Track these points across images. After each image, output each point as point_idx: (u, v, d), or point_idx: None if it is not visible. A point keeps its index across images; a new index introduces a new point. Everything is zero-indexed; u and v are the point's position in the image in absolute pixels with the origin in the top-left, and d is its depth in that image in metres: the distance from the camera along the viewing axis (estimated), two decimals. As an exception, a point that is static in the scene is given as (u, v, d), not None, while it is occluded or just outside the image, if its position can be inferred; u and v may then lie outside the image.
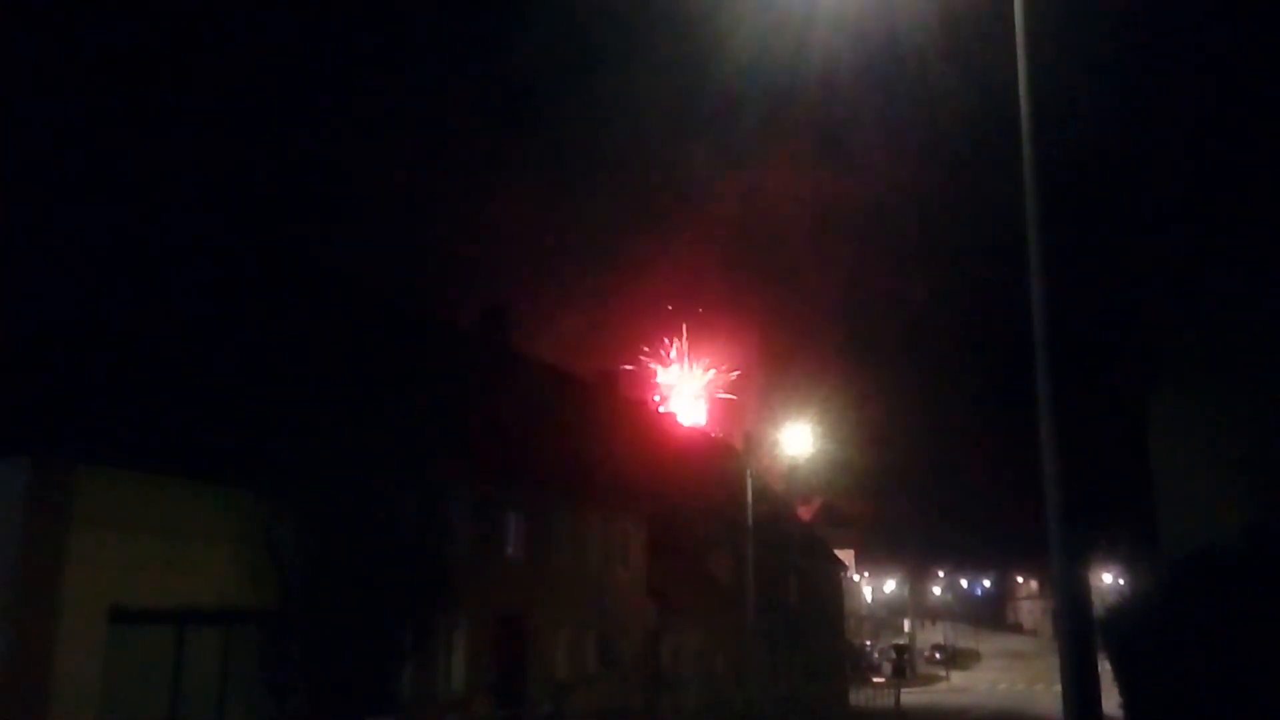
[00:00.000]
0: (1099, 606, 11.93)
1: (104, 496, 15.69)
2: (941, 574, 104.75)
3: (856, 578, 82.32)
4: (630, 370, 60.41)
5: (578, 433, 32.12)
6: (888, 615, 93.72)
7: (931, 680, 68.89)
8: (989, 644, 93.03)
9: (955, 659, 79.69)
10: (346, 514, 18.42)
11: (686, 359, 65.57)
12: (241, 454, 17.57)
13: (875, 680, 57.44)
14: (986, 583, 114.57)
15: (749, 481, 33.00)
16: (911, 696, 51.27)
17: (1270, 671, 9.47)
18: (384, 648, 19.06)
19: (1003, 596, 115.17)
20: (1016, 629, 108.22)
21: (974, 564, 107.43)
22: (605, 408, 37.24)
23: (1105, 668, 10.71)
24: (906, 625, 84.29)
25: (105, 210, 19.19)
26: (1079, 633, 7.34)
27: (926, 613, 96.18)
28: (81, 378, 16.48)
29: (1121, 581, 45.26)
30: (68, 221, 18.06)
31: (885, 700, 47.48)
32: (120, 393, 16.79)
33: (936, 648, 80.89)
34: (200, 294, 19.71)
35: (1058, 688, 7.59)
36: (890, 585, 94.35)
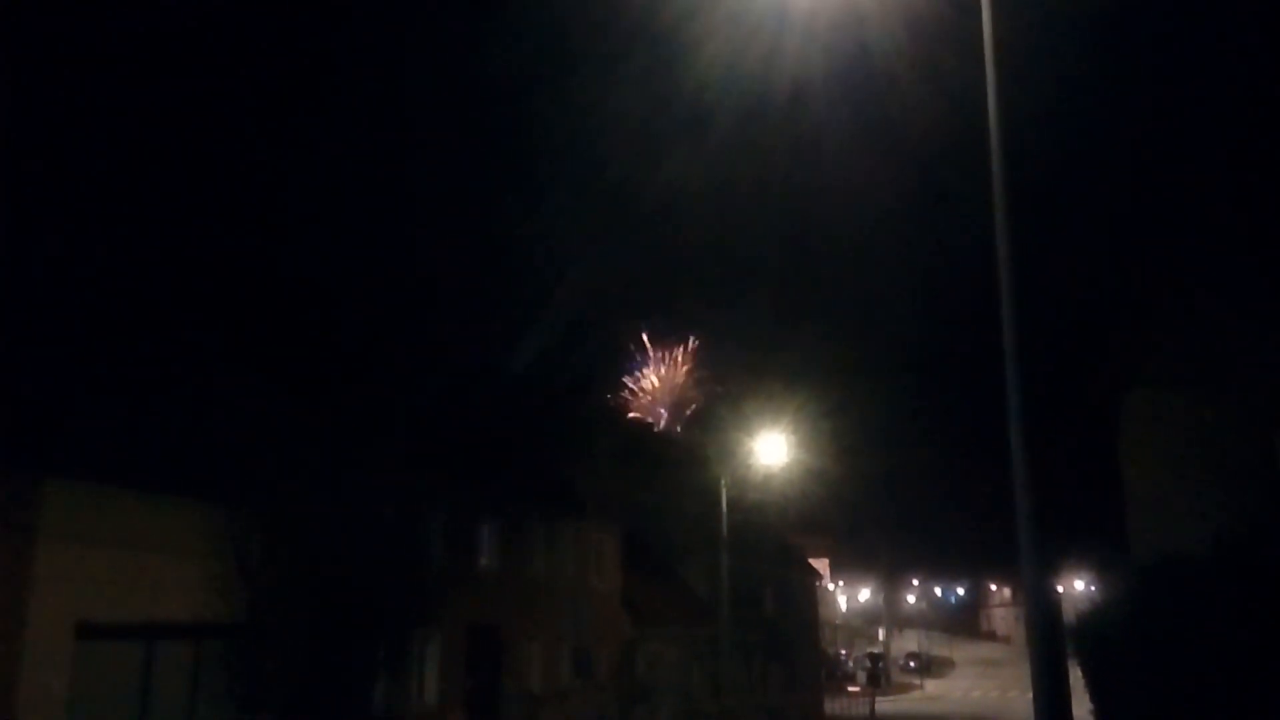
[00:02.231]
0: (1070, 614, 12.02)
1: (71, 511, 15.46)
2: (915, 582, 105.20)
3: (831, 587, 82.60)
4: (605, 380, 60.29)
5: (552, 442, 32.04)
6: (862, 624, 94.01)
7: (906, 688, 69.10)
8: (963, 652, 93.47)
9: (930, 667, 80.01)
10: (317, 527, 18.27)
11: (661, 368, 65.52)
12: (211, 468, 17.40)
13: (850, 689, 57.56)
14: (960, 591, 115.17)
15: (724, 491, 33.00)
16: (887, 705, 51.41)
17: (1237, 676, 9.55)
18: (356, 661, 18.89)
19: (976, 604, 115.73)
20: (990, 636, 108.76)
21: (948, 572, 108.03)
22: (580, 417, 37.16)
23: (1077, 674, 10.78)
24: (881, 634, 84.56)
25: (75, 221, 18.98)
26: (1049, 640, 7.37)
27: (901, 621, 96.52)
28: (49, 391, 16.26)
29: (1093, 589, 45.58)
30: (36, 232, 17.84)
31: (860, 709, 47.58)
32: (88, 406, 16.58)
33: (911, 656, 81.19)
34: (171, 307, 19.52)
35: (1031, 694, 7.62)
36: (865, 594, 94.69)
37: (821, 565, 67.45)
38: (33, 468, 15.16)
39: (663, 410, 64.51)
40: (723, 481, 33.34)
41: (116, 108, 20.58)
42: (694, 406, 63.83)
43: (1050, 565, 7.49)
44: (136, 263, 19.65)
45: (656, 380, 65.35)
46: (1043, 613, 7.38)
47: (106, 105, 20.33)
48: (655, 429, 57.61)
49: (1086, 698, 12.66)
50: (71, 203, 19.17)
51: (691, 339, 65.37)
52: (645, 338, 65.35)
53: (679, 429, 61.56)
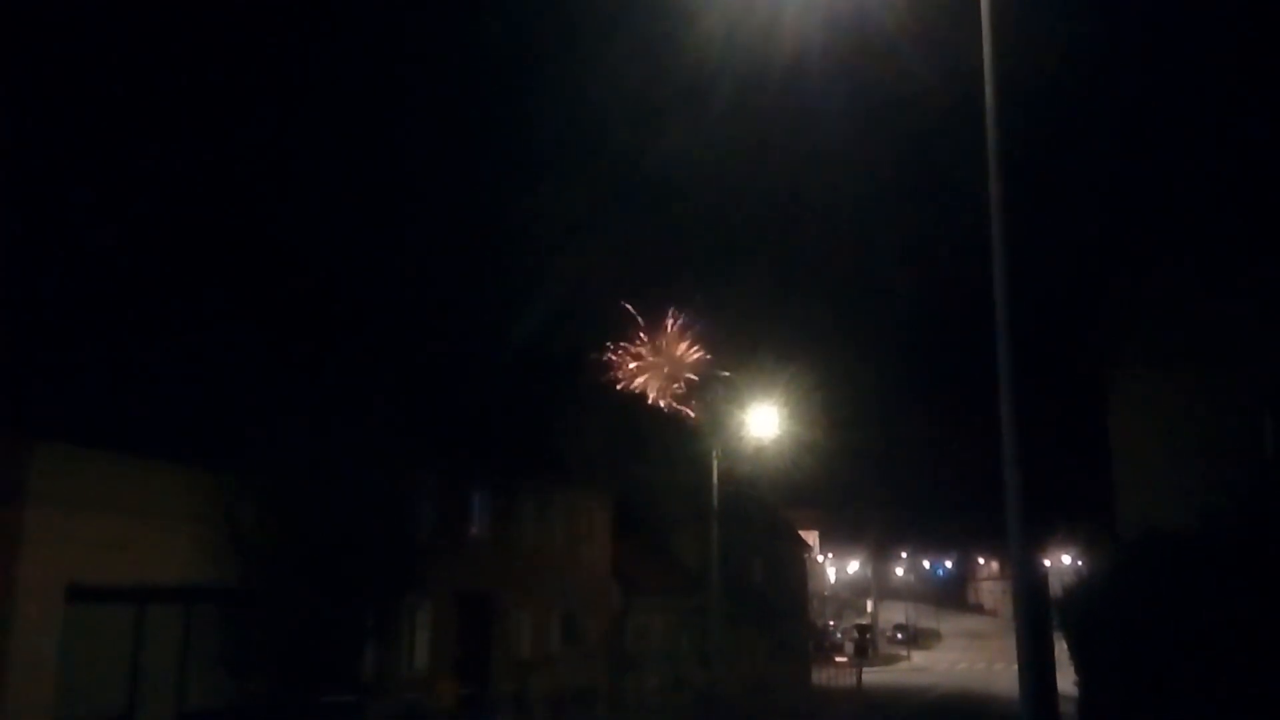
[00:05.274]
0: (1056, 587, 12.13)
1: (62, 474, 15.47)
2: (904, 555, 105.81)
3: (820, 558, 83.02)
4: (600, 351, 60.23)
5: (544, 412, 32.07)
6: (850, 595, 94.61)
7: (893, 660, 69.70)
8: (950, 624, 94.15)
9: (917, 639, 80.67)
10: (309, 492, 18.30)
11: (657, 340, 65.44)
12: (203, 432, 17.39)
13: (838, 660, 57.98)
14: (948, 564, 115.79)
15: (715, 463, 33.09)
16: (873, 676, 51.86)
17: (1220, 649, 9.66)
18: (346, 627, 18.98)
19: (964, 577, 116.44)
20: (977, 609, 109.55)
21: (936, 545, 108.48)
22: (572, 387, 37.19)
23: (1062, 647, 10.89)
24: (869, 605, 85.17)
25: (67, 187, 18.86)
26: (1035, 613, 7.45)
27: (889, 593, 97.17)
28: (40, 353, 16.21)
29: (1079, 563, 45.91)
30: (31, 198, 17.72)
31: (847, 680, 47.97)
32: (80, 369, 16.54)
33: (898, 628, 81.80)
34: (163, 272, 19.44)
35: (1016, 666, 7.70)
36: (853, 566, 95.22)
37: (811, 537, 67.77)
38: (24, 431, 15.15)
39: (657, 383, 64.47)
40: (714, 453, 33.44)
41: (106, 71, 20.44)
42: (690, 382, 63.76)
43: (1038, 540, 7.56)
44: (128, 228, 19.55)
45: (652, 353, 65.27)
46: (1029, 586, 7.46)
47: (98, 71, 20.20)
48: (648, 400, 57.60)
49: (1071, 669, 12.80)
50: (63, 169, 19.05)
51: (686, 317, 65.14)
52: (641, 309, 65.17)
53: (672, 401, 61.62)
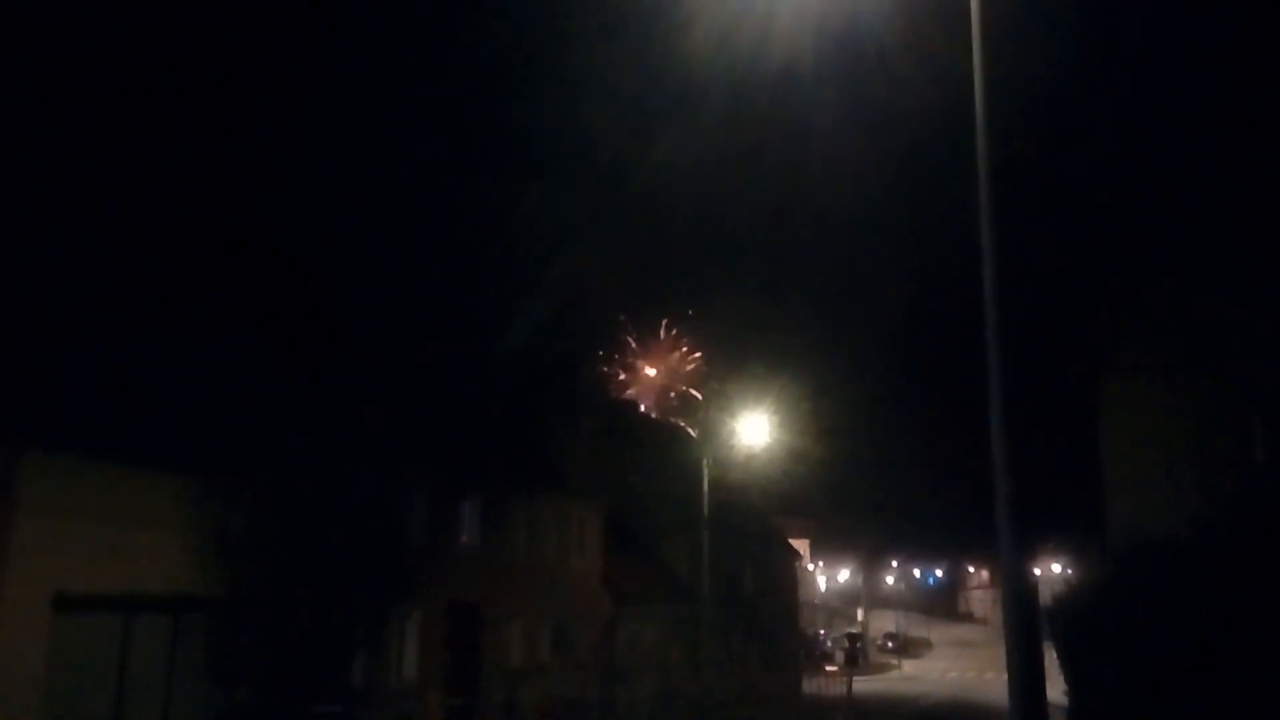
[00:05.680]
0: (1046, 596, 12.13)
1: (50, 483, 15.39)
2: (895, 563, 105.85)
3: (811, 567, 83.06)
4: (593, 359, 60.18)
5: (536, 421, 32.02)
6: (841, 604, 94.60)
7: (884, 669, 69.64)
8: (940, 633, 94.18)
9: (907, 647, 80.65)
10: (300, 500, 18.21)
11: (650, 349, 65.46)
12: (191, 442, 17.30)
13: (828, 669, 57.88)
14: (939, 572, 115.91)
15: (706, 471, 33.05)
16: (864, 685, 51.81)
17: (1211, 658, 9.65)
18: (335, 637, 18.89)
19: (954, 586, 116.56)
20: (968, 618, 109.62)
21: (926, 554, 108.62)
22: (564, 396, 37.11)
23: (1052, 656, 10.87)
24: (859, 614, 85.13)
25: (54, 196, 18.77)
26: (1025, 622, 7.41)
27: (879, 602, 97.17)
28: (29, 361, 16.12)
29: (1069, 571, 45.96)
30: (25, 202, 17.63)
31: (838, 689, 47.90)
32: (68, 378, 16.46)
33: (889, 636, 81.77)
34: (154, 277, 19.35)
35: (1006, 675, 7.67)
36: (844, 574, 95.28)
37: (802, 546, 67.76)
38: (12, 440, 15.06)
39: (649, 392, 64.46)
40: (705, 461, 33.39)
41: (106, 71, 20.39)
42: (684, 390, 63.77)
43: (1028, 548, 7.52)
44: (116, 237, 19.45)
45: (645, 362, 65.26)
46: (1019, 595, 7.42)
47: (98, 71, 20.15)
48: (640, 409, 57.56)
49: (1061, 679, 12.79)
50: (60, 172, 18.96)
51: (679, 327, 65.20)
52: (633, 317, 65.20)
53: (663, 410, 61.57)
